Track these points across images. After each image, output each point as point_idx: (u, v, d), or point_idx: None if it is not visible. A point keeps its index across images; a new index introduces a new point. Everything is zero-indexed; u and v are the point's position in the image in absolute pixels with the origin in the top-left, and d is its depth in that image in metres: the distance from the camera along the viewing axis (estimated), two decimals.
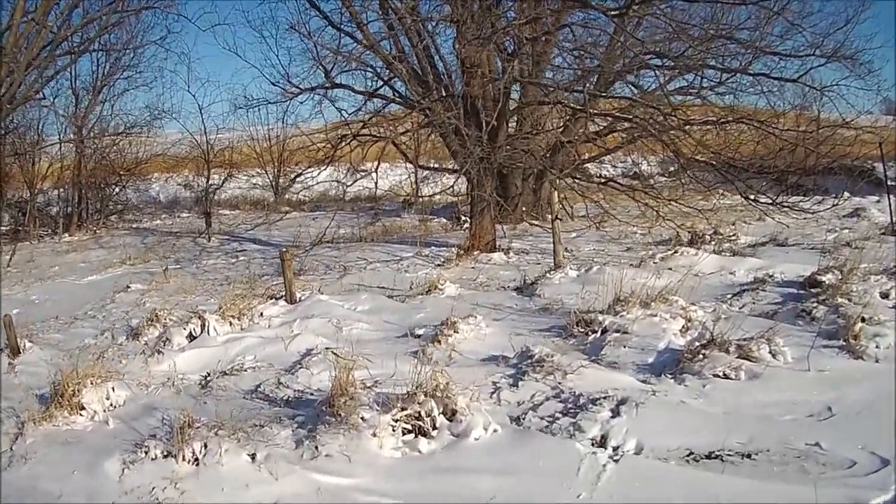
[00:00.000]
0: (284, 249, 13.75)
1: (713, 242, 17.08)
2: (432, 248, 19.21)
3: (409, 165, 27.58)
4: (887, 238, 16.69)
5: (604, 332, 9.77)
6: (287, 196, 34.79)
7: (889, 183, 19.98)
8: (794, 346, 8.77)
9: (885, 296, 10.56)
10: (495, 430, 7.28)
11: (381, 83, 19.49)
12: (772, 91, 20.36)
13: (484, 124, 17.49)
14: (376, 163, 19.26)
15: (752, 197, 17.42)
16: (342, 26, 18.18)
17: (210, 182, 29.37)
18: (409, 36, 17.75)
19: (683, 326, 9.83)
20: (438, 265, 16.89)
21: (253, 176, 36.14)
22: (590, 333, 9.88)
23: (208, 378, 9.72)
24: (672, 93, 20.73)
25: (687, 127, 18.42)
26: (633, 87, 22.07)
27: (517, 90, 21.57)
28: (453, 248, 18.24)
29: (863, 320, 9.21)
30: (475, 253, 17.43)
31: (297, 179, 29.47)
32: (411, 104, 18.44)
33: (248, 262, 19.34)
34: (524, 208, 23.15)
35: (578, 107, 18.13)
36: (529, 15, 17.31)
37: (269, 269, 17.82)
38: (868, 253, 13.49)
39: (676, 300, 10.63)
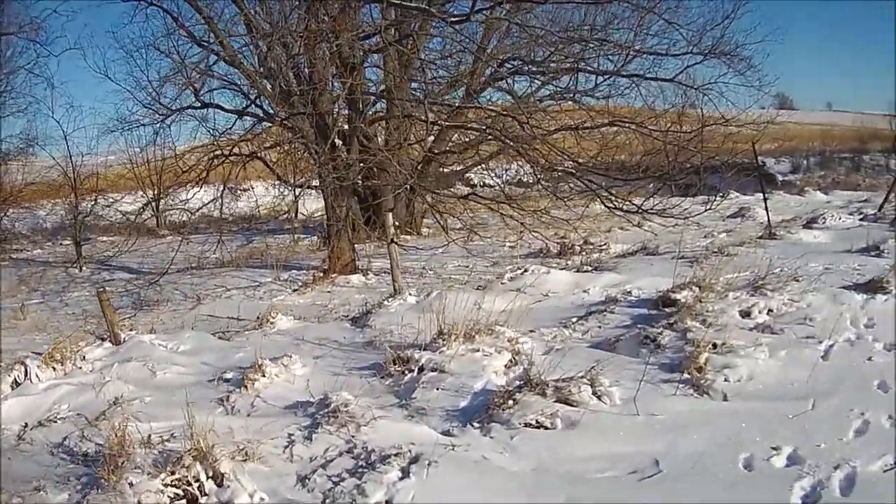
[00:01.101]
0: (101, 289, 12.23)
1: (583, 253, 16.33)
2: (292, 271, 18.13)
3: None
4: (764, 242, 15.73)
5: (420, 370, 8.51)
6: (168, 219, 33.26)
7: (780, 179, 19.37)
8: (629, 382, 7.59)
9: (745, 314, 9.48)
10: (262, 499, 6.11)
11: (249, 102, 18.25)
12: (651, 92, 20.06)
13: (336, 141, 16.55)
14: (254, 181, 18.02)
15: (611, 204, 16.24)
16: (209, 44, 16.96)
17: (78, 209, 27.63)
18: (271, 50, 16.32)
19: (509, 361, 8.66)
20: (295, 290, 15.82)
21: (133, 201, 34.56)
22: (406, 372, 8.60)
23: (25, 429, 8.50)
24: (546, 98, 20.49)
25: (561, 132, 17.84)
26: (507, 94, 21.40)
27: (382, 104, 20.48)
28: (312, 272, 17.14)
29: (714, 347, 8.12)
30: (333, 276, 16.32)
31: (177, 201, 27.94)
32: (276, 121, 17.40)
33: (114, 291, 17.59)
34: (397, 223, 21.84)
35: (422, 118, 16.79)
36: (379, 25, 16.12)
37: (129, 301, 16.41)
38: (741, 260, 12.88)
39: (503, 331, 9.31)
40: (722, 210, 20.47)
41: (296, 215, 27.41)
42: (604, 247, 17.01)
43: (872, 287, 10.60)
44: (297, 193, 19.20)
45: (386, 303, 12.11)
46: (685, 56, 19.04)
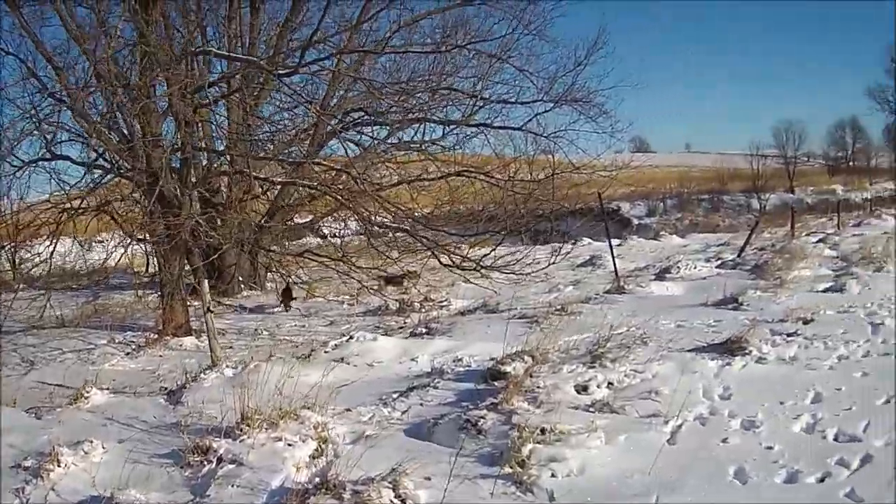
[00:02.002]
0: None
1: (422, 310, 15.51)
2: (128, 332, 16.39)
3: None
4: (612, 297, 14.74)
5: (220, 461, 7.19)
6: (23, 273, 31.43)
7: (636, 223, 18.71)
8: (441, 478, 6.30)
9: (582, 389, 8.34)
10: None
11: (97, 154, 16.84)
12: (500, 140, 19.52)
13: (172, 197, 15.28)
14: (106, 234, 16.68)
15: (447, 261, 15.21)
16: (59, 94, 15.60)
17: None
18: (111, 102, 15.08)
19: (315, 452, 7.38)
20: (128, 353, 14.25)
21: None
22: (205, 463, 7.23)
23: None
24: (392, 148, 19.63)
25: (404, 184, 17.62)
26: (355, 145, 20.24)
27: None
28: (146, 334, 15.70)
29: (542, 432, 6.89)
30: (166, 338, 14.97)
31: (30, 254, 26.28)
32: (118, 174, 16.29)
33: None
34: (241, 278, 21.24)
35: (255, 174, 15.73)
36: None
37: None
38: (585, 320, 12.19)
39: (310, 416, 7.94)
40: (573, 258, 19.50)
41: (146, 270, 26.09)
42: (444, 303, 16.28)
43: (730, 348, 9.91)
44: (146, 249, 17.86)
45: (202, 375, 10.69)
46: (535, 103, 18.75)
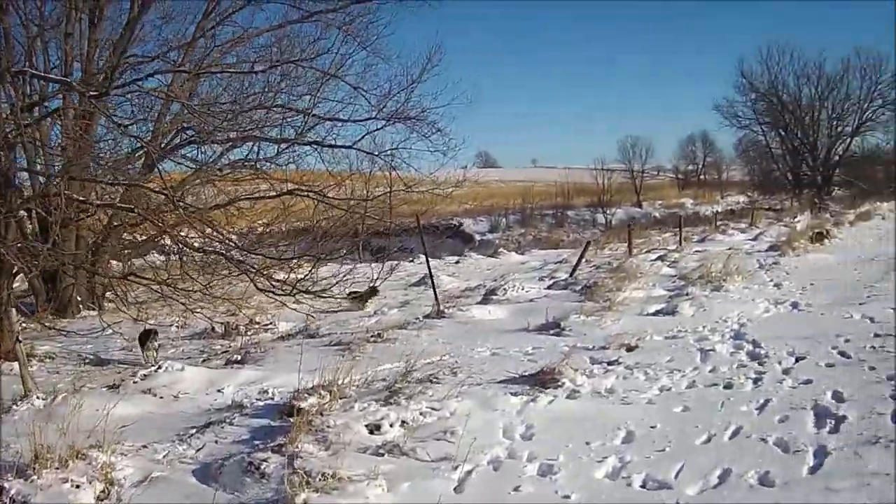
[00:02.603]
0: None
1: (248, 333, 15.10)
2: None
3: None
4: (432, 322, 14.46)
5: (12, 502, 6.70)
6: None
7: (478, 238, 18.53)
8: None
9: (375, 428, 7.88)
10: None
11: None
12: (335, 158, 19.22)
13: None
14: None
15: (262, 284, 14.80)
16: None
17: None
18: None
19: (101, 494, 6.95)
20: None
21: None
22: None
23: None
24: (226, 166, 18.96)
25: (232, 203, 17.13)
26: (191, 163, 19.82)
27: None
28: None
29: (324, 478, 6.49)
30: None
31: None
32: None
33: None
34: (80, 298, 20.39)
35: (74, 196, 15.14)
36: None
37: None
38: (399, 347, 11.89)
39: (97, 456, 7.39)
40: (408, 277, 19.15)
41: None
42: (270, 326, 15.75)
43: (541, 380, 9.54)
44: None
45: (15, 407, 10.10)
46: (368, 121, 18.67)
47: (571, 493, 6.51)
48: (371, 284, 17.83)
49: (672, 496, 6.42)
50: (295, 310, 15.42)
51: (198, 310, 15.12)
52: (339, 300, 15.82)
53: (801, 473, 6.67)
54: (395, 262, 20.95)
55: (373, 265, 19.11)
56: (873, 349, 10.70)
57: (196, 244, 15.54)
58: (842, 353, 10.60)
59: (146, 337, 13.18)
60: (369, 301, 18.03)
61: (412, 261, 22.31)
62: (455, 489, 6.68)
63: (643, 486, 6.68)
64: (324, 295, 15.04)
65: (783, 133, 66.47)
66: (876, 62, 64.80)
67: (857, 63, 65.34)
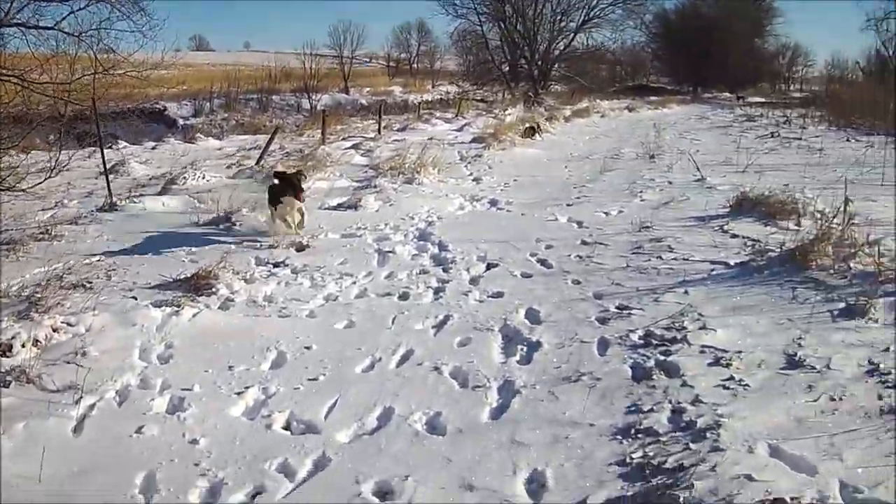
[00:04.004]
0: None
1: None
2: None
3: None
4: (102, 215, 13.25)
5: None
6: None
7: (181, 123, 17.43)
8: None
9: (7, 350, 6.75)
10: None
11: None
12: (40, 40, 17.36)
13: None
14: None
15: None
16: None
17: None
18: None
19: None
20: None
21: None
22: None
23: None
24: None
25: None
26: None
27: None
28: None
29: None
30: None
31: None
32: None
33: None
34: None
35: None
36: None
37: None
38: (63, 247, 10.79)
39: None
40: (99, 165, 17.64)
41: None
42: None
43: (195, 286, 8.74)
44: None
45: None
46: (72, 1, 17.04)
47: (200, 436, 5.65)
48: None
49: (318, 443, 5.58)
50: None
51: None
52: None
53: (480, 418, 5.91)
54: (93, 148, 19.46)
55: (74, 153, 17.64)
56: (579, 259, 10.04)
57: None
58: (542, 262, 9.94)
59: None
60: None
61: (111, 147, 20.75)
62: (73, 430, 5.73)
63: (286, 429, 5.87)
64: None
65: (503, 25, 65.64)
66: None
67: None
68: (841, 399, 5.67)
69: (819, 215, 9.79)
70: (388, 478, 5.08)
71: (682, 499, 4.63)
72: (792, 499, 4.53)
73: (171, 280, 9.10)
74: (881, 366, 6.11)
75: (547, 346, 7.14)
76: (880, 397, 5.63)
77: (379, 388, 6.39)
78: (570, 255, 10.18)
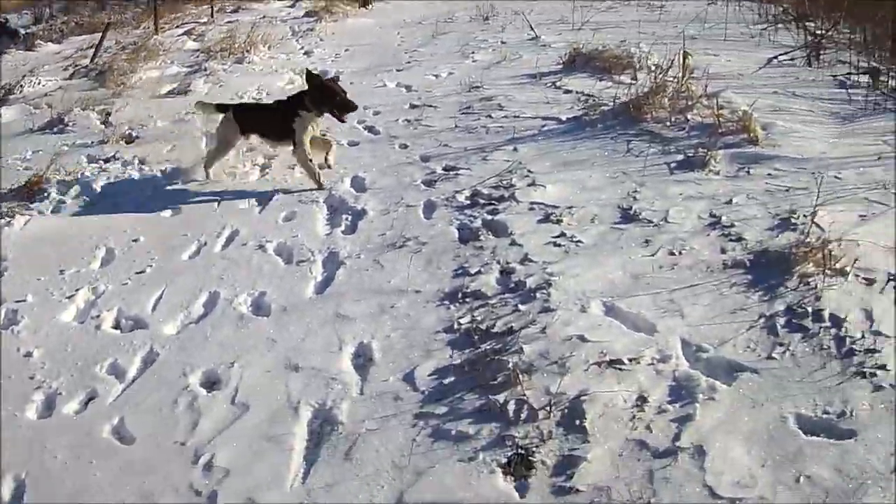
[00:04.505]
0: None
1: None
2: None
3: None
4: None
5: None
6: None
7: (23, 32, 16.81)
8: None
9: None
10: None
11: None
12: None
13: None
14: None
15: None
16: None
17: None
18: None
19: None
20: None
21: None
22: None
23: None
24: None
25: None
26: None
27: None
28: None
29: None
30: None
31: None
32: None
33: None
34: None
35: None
36: None
37: None
38: None
39: None
40: None
41: None
42: None
43: (26, 194, 8.38)
44: None
45: None
46: None
47: (34, 348, 5.46)
48: None
49: (146, 338, 5.46)
50: None
51: None
52: None
53: (305, 293, 5.86)
54: None
55: None
56: (407, 122, 9.92)
57: None
58: (369, 129, 9.80)
59: None
60: None
61: None
62: None
63: (116, 328, 5.72)
64: None
65: None
66: None
67: None
68: (680, 253, 5.63)
69: (655, 68, 9.70)
70: (215, 366, 5.04)
71: (510, 364, 4.55)
72: (630, 359, 4.48)
73: (6, 191, 8.62)
74: (723, 218, 6.04)
75: (372, 214, 7.12)
76: (723, 251, 5.58)
77: (204, 274, 6.31)
78: (397, 120, 10.06)
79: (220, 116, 8.64)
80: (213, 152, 8.61)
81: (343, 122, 8.20)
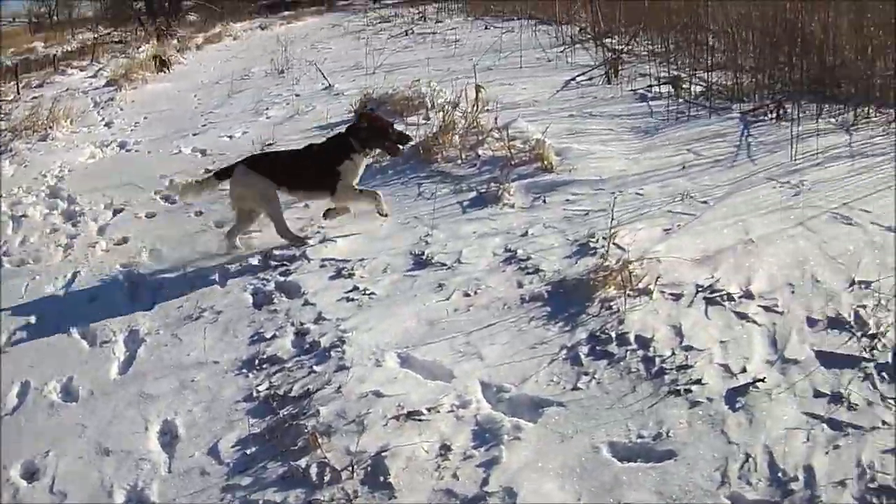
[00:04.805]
0: None
1: None
2: None
3: None
4: None
5: None
6: None
7: None
8: None
9: None
10: None
11: None
12: None
13: None
14: None
15: None
16: None
17: None
18: None
19: None
20: None
21: None
22: None
23: None
24: None
25: None
26: None
27: None
28: None
29: None
30: None
31: None
32: None
33: None
34: None
35: None
36: None
37: None
38: None
39: None
40: None
41: None
42: None
43: None
44: None
45: None
46: None
47: None
48: None
49: None
50: None
51: None
52: None
53: (110, 375, 5.69)
54: None
55: None
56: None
57: None
58: (166, 199, 9.59)
59: None
60: None
61: None
62: None
63: None
64: None
65: None
66: None
67: None
68: (476, 293, 5.62)
69: (446, 106, 9.71)
70: (32, 457, 4.91)
71: (308, 427, 4.51)
72: (428, 409, 4.45)
73: None
74: (518, 252, 6.05)
75: (169, 288, 6.94)
76: (520, 285, 5.59)
77: (17, 360, 6.10)
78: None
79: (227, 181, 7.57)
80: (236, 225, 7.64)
81: (399, 155, 7.78)
